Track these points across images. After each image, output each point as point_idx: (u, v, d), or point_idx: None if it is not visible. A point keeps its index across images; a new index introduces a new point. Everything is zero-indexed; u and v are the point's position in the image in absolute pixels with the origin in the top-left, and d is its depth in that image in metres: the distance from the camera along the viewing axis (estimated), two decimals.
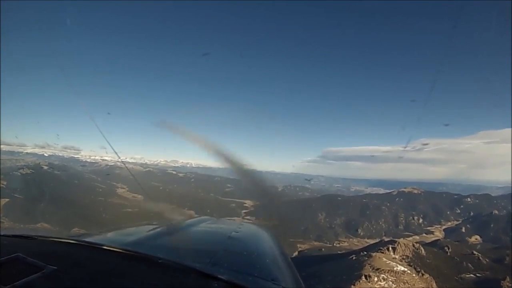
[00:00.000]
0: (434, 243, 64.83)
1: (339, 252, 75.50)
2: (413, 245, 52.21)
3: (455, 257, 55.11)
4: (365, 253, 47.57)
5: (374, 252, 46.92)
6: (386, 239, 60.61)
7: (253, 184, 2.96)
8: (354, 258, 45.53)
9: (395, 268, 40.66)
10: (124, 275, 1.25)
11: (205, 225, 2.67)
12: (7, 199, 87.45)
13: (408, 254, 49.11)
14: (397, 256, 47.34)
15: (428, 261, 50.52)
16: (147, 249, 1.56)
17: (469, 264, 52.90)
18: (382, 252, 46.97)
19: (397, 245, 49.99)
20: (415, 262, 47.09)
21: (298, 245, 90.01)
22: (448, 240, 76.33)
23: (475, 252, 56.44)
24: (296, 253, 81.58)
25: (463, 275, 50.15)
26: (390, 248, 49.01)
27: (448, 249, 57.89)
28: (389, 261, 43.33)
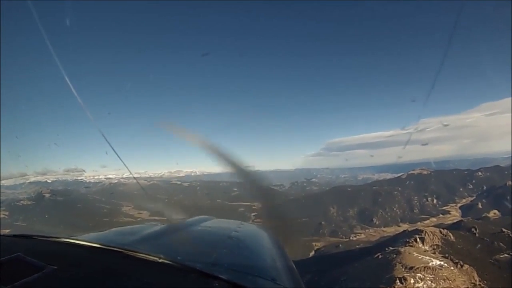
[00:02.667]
0: (458, 225, 61.34)
1: (357, 246, 72.10)
2: (441, 232, 48.48)
3: (485, 238, 51.79)
4: (392, 249, 43.76)
5: (401, 247, 43.19)
6: (410, 229, 56.98)
7: (254, 186, 2.87)
8: (380, 256, 41.60)
9: (430, 264, 36.88)
10: (124, 275, 1.25)
11: (205, 224, 2.59)
12: (8, 230, 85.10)
13: (438, 243, 45.36)
14: (427, 247, 43.57)
15: (459, 246, 47.04)
16: (147, 249, 1.54)
17: (501, 243, 49.85)
18: (411, 245, 43.23)
19: (424, 235, 46.22)
20: (448, 251, 43.42)
21: (314, 244, 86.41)
22: (469, 218, 73.10)
23: (504, 230, 53.30)
24: (312, 253, 78.08)
25: (497, 256, 47.00)
26: (418, 239, 45.29)
27: (476, 230, 54.63)
28: (421, 256, 39.59)
